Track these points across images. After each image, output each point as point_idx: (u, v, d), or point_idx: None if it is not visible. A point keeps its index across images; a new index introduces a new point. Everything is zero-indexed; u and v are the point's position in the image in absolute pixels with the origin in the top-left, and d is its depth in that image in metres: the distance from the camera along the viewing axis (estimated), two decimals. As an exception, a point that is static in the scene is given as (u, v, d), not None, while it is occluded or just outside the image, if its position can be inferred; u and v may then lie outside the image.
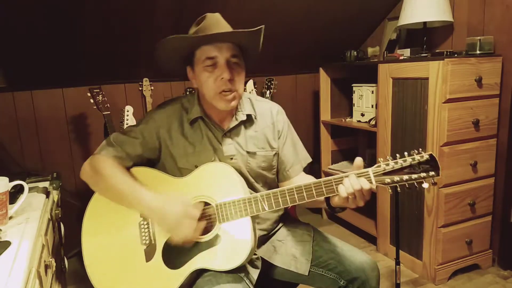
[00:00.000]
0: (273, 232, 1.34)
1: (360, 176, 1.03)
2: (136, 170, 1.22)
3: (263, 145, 1.28)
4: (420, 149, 1.04)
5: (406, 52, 2.27)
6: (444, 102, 1.94)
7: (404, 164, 1.02)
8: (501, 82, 2.10)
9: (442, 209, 2.04)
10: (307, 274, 1.23)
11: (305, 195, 1.07)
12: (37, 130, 2.47)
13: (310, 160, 1.38)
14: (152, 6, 2.13)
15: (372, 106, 2.58)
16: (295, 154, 1.34)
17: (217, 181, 1.16)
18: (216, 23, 1.16)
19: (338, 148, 3.06)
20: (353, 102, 2.74)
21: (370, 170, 1.03)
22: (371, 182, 1.02)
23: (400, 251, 1.92)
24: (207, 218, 1.14)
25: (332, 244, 1.27)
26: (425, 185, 1.02)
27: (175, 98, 1.32)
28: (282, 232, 1.34)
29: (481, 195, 2.15)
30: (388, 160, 1.04)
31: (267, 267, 1.27)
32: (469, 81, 1.99)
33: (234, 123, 1.24)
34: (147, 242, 1.15)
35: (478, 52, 2.06)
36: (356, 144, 3.12)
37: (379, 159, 1.06)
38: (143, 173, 1.21)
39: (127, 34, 2.26)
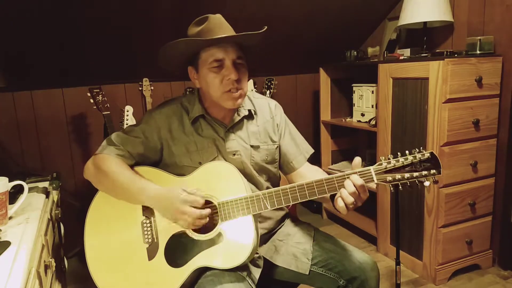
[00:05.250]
0: (274, 231, 1.34)
1: (361, 174, 1.04)
2: (139, 169, 1.23)
3: (265, 139, 1.31)
4: (421, 148, 1.05)
5: (406, 52, 2.27)
6: (444, 102, 1.94)
7: (406, 162, 1.03)
8: (501, 82, 2.10)
9: (442, 209, 2.04)
10: (307, 273, 1.23)
11: (307, 193, 1.08)
12: (37, 130, 2.47)
13: (312, 151, 1.40)
14: (152, 6, 2.13)
15: (372, 106, 2.58)
16: (296, 146, 1.36)
17: (220, 180, 1.16)
18: (220, 24, 1.18)
19: (338, 148, 3.06)
20: (353, 102, 2.74)
21: (372, 168, 1.04)
22: (372, 180, 1.03)
23: (400, 251, 1.92)
24: (210, 217, 1.15)
25: (332, 243, 1.27)
26: (427, 183, 1.03)
27: (174, 98, 1.33)
28: (283, 232, 1.34)
29: (481, 195, 2.15)
30: (390, 159, 1.04)
31: (268, 267, 1.27)
32: (469, 81, 1.98)
33: (236, 118, 1.27)
34: (150, 240, 1.16)
35: (478, 52, 2.06)
36: (356, 144, 3.12)
37: (380, 157, 1.07)
38: (146, 172, 1.22)
39: (127, 34, 2.26)
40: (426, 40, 2.32)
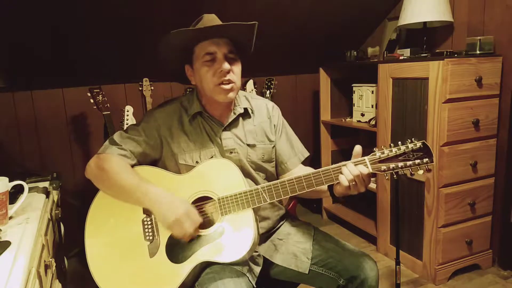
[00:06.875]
0: (274, 230, 1.34)
1: (357, 164, 1.08)
2: (139, 168, 1.24)
3: (262, 139, 1.32)
4: (413, 138, 1.09)
5: (406, 52, 2.27)
6: (444, 102, 1.94)
7: (398, 152, 1.07)
8: (501, 82, 2.10)
9: (442, 209, 2.04)
10: (307, 272, 1.23)
11: (304, 184, 1.11)
12: (37, 130, 2.47)
13: (307, 154, 1.41)
14: (152, 6, 2.13)
15: (372, 106, 2.58)
16: (291, 148, 1.37)
17: (218, 176, 1.18)
18: (212, 20, 1.22)
19: (338, 148, 3.06)
20: (353, 102, 2.74)
21: (367, 158, 1.09)
22: (367, 169, 1.07)
23: (400, 251, 1.92)
24: (209, 212, 1.17)
25: (332, 243, 1.28)
26: (420, 171, 1.07)
27: (174, 98, 1.35)
28: (283, 231, 1.34)
29: (481, 195, 2.15)
30: (383, 149, 1.09)
31: (268, 266, 1.28)
32: (469, 81, 1.99)
33: (232, 117, 1.29)
34: (151, 238, 1.17)
35: (478, 52, 2.06)
36: (356, 144, 3.11)
37: (374, 148, 1.11)
38: (146, 171, 1.23)
39: (127, 34, 2.26)
40: (426, 40, 2.32)
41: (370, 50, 2.76)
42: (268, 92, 2.74)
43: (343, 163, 1.09)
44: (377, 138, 2.37)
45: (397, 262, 1.85)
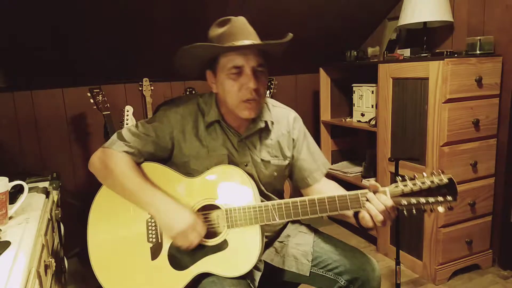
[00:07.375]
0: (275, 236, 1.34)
1: (377, 194, 1.02)
2: (146, 165, 1.20)
3: (276, 154, 1.26)
4: (440, 171, 1.01)
5: (406, 52, 2.27)
6: (444, 102, 1.94)
7: (423, 187, 0.99)
8: (501, 82, 2.10)
9: (442, 209, 2.04)
10: (308, 274, 1.23)
11: (317, 209, 1.06)
12: (37, 130, 2.47)
13: (329, 165, 1.36)
14: (152, 5, 2.13)
15: (372, 106, 2.58)
16: (313, 161, 1.31)
17: (229, 185, 1.14)
18: (242, 28, 1.14)
19: (338, 148, 3.07)
20: (353, 102, 2.75)
21: (388, 190, 1.02)
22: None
23: (400, 251, 1.92)
24: (215, 222, 1.14)
25: (333, 244, 1.27)
26: (441, 209, 0.99)
27: (191, 96, 1.28)
28: (283, 234, 1.34)
29: (481, 195, 2.15)
30: (406, 181, 1.01)
31: (268, 268, 1.27)
32: (469, 81, 1.99)
33: (252, 129, 1.22)
34: (154, 240, 1.15)
35: (478, 52, 2.06)
36: (356, 144, 3.12)
37: (397, 177, 1.03)
38: (154, 169, 1.19)
39: (127, 34, 2.26)
40: (426, 40, 2.32)
41: (370, 50, 2.76)
42: (268, 92, 2.74)
43: (362, 191, 1.03)
44: (377, 138, 2.37)
45: (397, 262, 1.85)
